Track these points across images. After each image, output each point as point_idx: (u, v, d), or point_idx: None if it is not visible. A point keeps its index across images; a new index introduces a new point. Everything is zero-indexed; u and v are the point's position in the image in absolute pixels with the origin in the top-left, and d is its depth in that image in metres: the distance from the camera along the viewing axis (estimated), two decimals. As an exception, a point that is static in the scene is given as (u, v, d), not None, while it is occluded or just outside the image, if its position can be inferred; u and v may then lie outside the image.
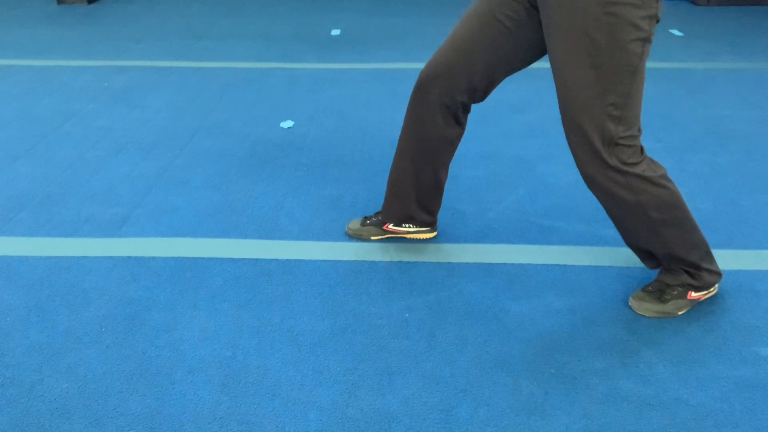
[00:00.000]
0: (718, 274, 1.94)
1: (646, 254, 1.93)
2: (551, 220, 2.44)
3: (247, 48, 4.64)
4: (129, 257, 2.21)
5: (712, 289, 1.97)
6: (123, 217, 2.46)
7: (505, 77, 1.94)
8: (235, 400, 1.64)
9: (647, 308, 1.92)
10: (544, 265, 2.17)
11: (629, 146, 1.73)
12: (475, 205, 2.54)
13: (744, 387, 1.68)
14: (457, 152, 2.98)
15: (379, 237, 2.30)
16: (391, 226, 2.27)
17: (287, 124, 3.32)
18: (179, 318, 1.93)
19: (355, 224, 2.33)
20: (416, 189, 2.16)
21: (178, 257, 2.21)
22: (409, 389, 1.68)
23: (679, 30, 5.06)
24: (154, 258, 2.21)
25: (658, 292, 1.93)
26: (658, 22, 1.66)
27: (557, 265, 2.17)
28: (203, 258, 2.21)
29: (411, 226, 2.26)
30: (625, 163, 1.73)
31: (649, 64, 4.21)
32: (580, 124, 1.70)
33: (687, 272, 1.91)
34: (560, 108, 1.75)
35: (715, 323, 1.90)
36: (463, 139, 3.12)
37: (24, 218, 2.46)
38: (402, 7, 5.89)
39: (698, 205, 2.54)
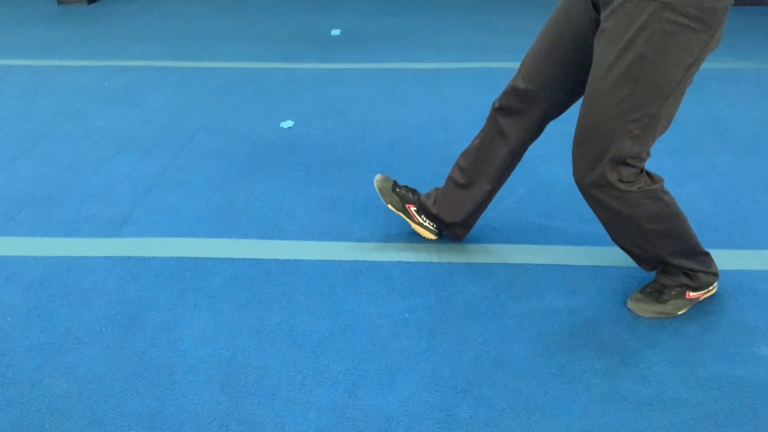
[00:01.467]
0: (714, 274, 1.94)
1: (638, 258, 1.93)
2: (551, 220, 2.44)
3: (247, 48, 4.64)
4: (129, 257, 2.21)
5: (711, 289, 1.97)
6: (123, 217, 2.46)
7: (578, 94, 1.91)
8: (235, 400, 1.64)
9: (646, 309, 1.92)
10: (544, 265, 2.17)
11: (633, 167, 1.71)
12: (475, 205, 2.54)
13: (744, 387, 1.68)
14: (457, 152, 2.98)
15: (393, 209, 2.27)
16: (412, 210, 2.25)
17: (287, 124, 3.32)
18: (179, 318, 1.93)
19: (386, 182, 2.29)
20: (471, 204, 2.12)
21: (178, 257, 2.21)
22: (409, 389, 1.68)
23: (679, 30, 5.05)
24: (154, 258, 2.21)
25: (656, 293, 1.93)
26: (713, 50, 1.61)
27: (557, 265, 2.17)
28: (203, 258, 2.21)
29: (431, 224, 2.25)
30: (622, 181, 1.72)
31: (649, 64, 4.21)
32: (596, 133, 1.67)
33: (684, 273, 1.91)
34: (581, 113, 1.70)
35: (715, 323, 1.90)
36: (463, 139, 3.12)
37: (24, 218, 2.46)
38: (402, 7, 5.89)
39: (698, 205, 2.54)
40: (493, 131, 2.00)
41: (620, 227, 1.82)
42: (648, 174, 1.77)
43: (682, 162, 2.89)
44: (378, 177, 2.30)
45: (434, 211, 2.19)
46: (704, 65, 4.19)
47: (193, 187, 2.69)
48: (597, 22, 1.72)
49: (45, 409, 1.62)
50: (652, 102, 1.60)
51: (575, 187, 2.67)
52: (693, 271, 1.90)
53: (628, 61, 1.58)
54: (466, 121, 3.35)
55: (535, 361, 1.76)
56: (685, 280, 1.91)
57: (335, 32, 5.04)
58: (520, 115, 1.94)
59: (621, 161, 1.68)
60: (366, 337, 1.85)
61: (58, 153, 3.00)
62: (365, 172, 2.81)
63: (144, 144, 3.10)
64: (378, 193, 2.30)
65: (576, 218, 2.45)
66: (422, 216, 2.25)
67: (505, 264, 2.18)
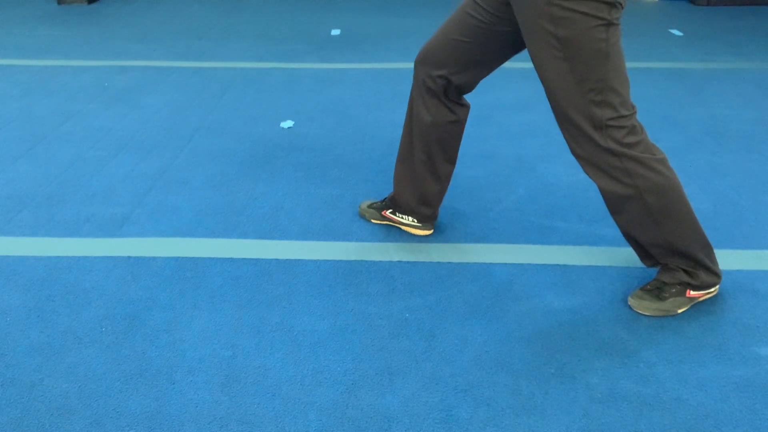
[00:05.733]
0: (717, 275, 1.94)
1: (644, 250, 1.93)
2: (551, 220, 2.44)
3: (247, 48, 4.64)
4: (129, 257, 2.21)
5: (712, 290, 1.96)
6: (123, 217, 2.46)
7: (487, 67, 2.01)
8: (235, 400, 1.64)
9: (646, 306, 1.92)
10: (544, 265, 2.17)
11: (621, 127, 1.74)
12: (475, 205, 2.54)
13: (744, 387, 1.68)
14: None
15: (378, 221, 2.39)
16: (388, 213, 2.35)
17: (287, 124, 3.32)
18: (179, 318, 1.93)
19: (364, 204, 2.44)
20: (413, 178, 2.21)
21: (178, 257, 2.21)
22: (409, 389, 1.68)
23: (679, 30, 5.06)
24: (154, 258, 2.21)
25: (656, 290, 1.93)
26: (622, 7, 1.68)
27: (557, 265, 2.17)
28: (203, 258, 2.21)
29: (408, 218, 2.30)
30: (620, 144, 1.75)
31: (649, 64, 4.21)
32: (567, 114, 1.76)
33: (684, 271, 1.91)
34: (549, 103, 1.79)
35: (715, 323, 1.90)
36: (463, 139, 3.12)
37: (24, 218, 2.46)
38: (402, 7, 5.89)
39: (698, 205, 2.54)
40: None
41: (626, 206, 1.82)
42: (651, 144, 1.80)
43: (682, 162, 2.89)
44: (359, 205, 2.47)
45: (397, 200, 2.29)
46: (704, 65, 4.20)
47: (193, 187, 2.69)
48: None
49: (45, 409, 1.62)
50: (593, 68, 1.69)
51: (575, 187, 2.67)
52: (694, 267, 1.89)
53: (550, 45, 1.69)
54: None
55: (535, 361, 1.76)
56: (685, 278, 1.91)
57: (335, 32, 5.04)
58: (439, 95, 2.06)
59: (604, 126, 1.74)
60: (366, 337, 1.85)
61: (58, 153, 3.00)
62: (365, 172, 2.82)
63: (144, 144, 3.10)
64: (361, 218, 2.44)
65: (576, 218, 2.45)
66: (398, 214, 2.32)
67: (505, 264, 2.18)
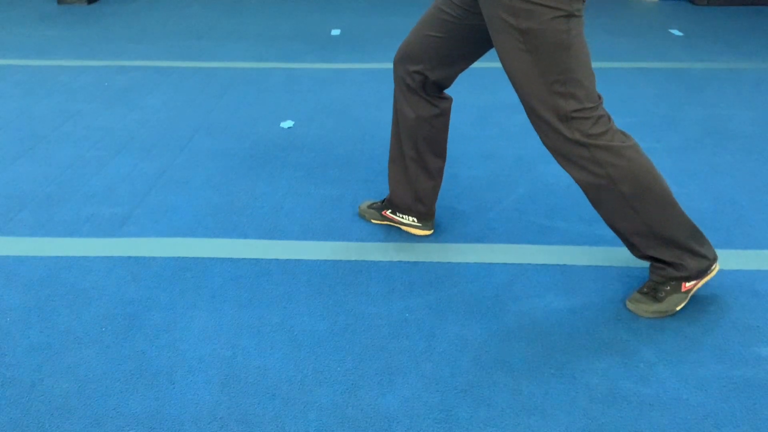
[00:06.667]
0: (706, 257, 1.89)
1: (629, 241, 1.90)
2: (551, 220, 2.44)
3: (247, 48, 4.64)
4: (129, 257, 2.21)
5: (708, 274, 1.92)
6: (123, 217, 2.46)
7: (462, 62, 2.03)
8: (235, 400, 1.64)
9: (644, 309, 1.92)
10: (544, 265, 2.17)
11: (587, 118, 1.75)
12: (475, 205, 2.54)
13: (744, 387, 1.68)
14: (457, 152, 2.98)
15: (378, 222, 2.40)
16: (388, 213, 2.36)
17: (287, 124, 3.32)
18: (179, 318, 1.93)
19: (364, 204, 2.46)
20: (406, 177, 2.23)
21: (178, 257, 2.21)
22: (409, 389, 1.68)
23: (679, 30, 5.06)
24: (154, 258, 2.21)
25: (651, 291, 1.93)
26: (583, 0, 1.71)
27: (557, 265, 2.17)
28: (203, 258, 2.21)
29: (407, 217, 2.30)
30: (587, 135, 1.75)
31: (649, 64, 4.21)
32: (533, 107, 1.77)
33: (670, 265, 1.88)
34: (518, 96, 1.80)
35: (715, 323, 1.90)
36: (463, 139, 3.12)
37: (24, 218, 2.46)
38: (402, 7, 5.89)
39: (698, 205, 2.54)
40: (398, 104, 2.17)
41: (604, 198, 1.82)
42: (621, 132, 1.81)
43: (682, 162, 2.89)
44: (359, 206, 2.48)
45: (393, 200, 2.30)
46: (704, 65, 4.20)
47: (193, 187, 2.69)
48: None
49: (45, 409, 1.62)
50: (556, 60, 1.70)
51: (575, 187, 2.67)
52: (679, 257, 1.86)
53: (512, 37, 1.71)
54: (465, 120, 3.35)
55: (535, 361, 1.76)
56: (673, 273, 1.88)
57: (335, 32, 5.04)
58: (416, 92, 2.09)
59: (569, 118, 1.75)
60: (366, 337, 1.85)
61: (58, 153, 3.00)
62: (365, 172, 2.82)
63: (144, 144, 3.10)
64: (361, 219, 2.45)
65: (576, 218, 2.45)
66: (398, 214, 2.32)
67: (505, 264, 2.18)
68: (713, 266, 1.93)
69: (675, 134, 3.18)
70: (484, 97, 3.66)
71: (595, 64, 4.23)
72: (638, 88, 3.81)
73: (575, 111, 1.74)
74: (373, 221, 2.41)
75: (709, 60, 4.31)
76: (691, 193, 2.62)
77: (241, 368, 1.74)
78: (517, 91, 1.80)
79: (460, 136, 3.16)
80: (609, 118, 1.79)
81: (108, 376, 1.71)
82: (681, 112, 3.46)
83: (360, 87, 3.85)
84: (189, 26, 5.24)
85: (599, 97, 1.78)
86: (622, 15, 5.60)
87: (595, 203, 1.87)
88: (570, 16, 1.67)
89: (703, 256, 1.89)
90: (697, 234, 1.88)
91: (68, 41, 4.80)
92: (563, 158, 1.82)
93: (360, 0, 6.13)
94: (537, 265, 2.17)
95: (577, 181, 1.84)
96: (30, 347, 1.82)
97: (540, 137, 1.83)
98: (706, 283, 2.04)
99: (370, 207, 2.42)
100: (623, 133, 1.81)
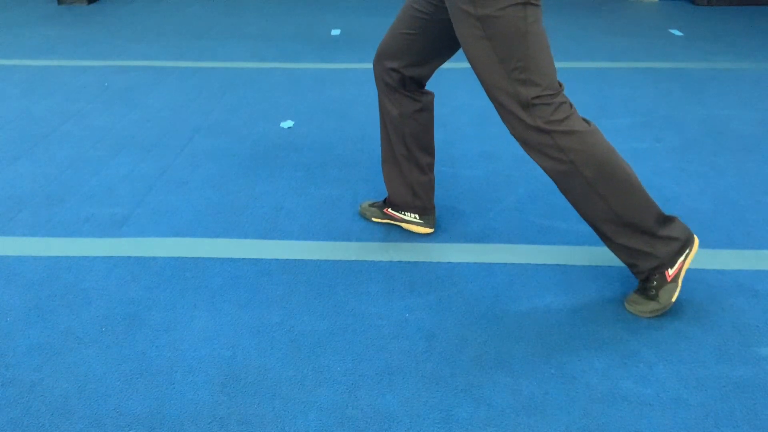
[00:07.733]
0: (677, 239, 1.86)
1: (600, 231, 1.88)
2: (551, 220, 2.44)
3: (247, 48, 4.64)
4: (129, 257, 2.21)
5: (687, 253, 1.88)
6: (123, 217, 2.46)
7: (437, 58, 2.07)
8: (235, 400, 1.64)
9: (641, 310, 1.92)
10: (544, 265, 2.17)
11: (547, 104, 1.77)
12: (475, 205, 2.54)
13: (744, 387, 1.68)
14: (456, 152, 2.98)
15: (380, 220, 2.41)
16: (389, 210, 2.37)
17: (287, 124, 3.32)
18: (179, 318, 1.93)
19: (365, 204, 2.47)
20: (401, 174, 2.25)
21: (178, 257, 2.21)
22: (409, 389, 1.68)
23: (679, 30, 5.06)
24: (154, 258, 2.21)
25: (642, 291, 1.93)
26: None
27: (557, 265, 2.17)
28: (203, 258, 2.21)
29: (408, 214, 2.31)
30: (548, 121, 1.77)
31: (649, 64, 4.21)
32: (494, 95, 1.80)
33: (643, 254, 1.85)
34: (481, 85, 1.82)
35: (715, 323, 1.90)
36: (463, 139, 3.12)
37: (24, 218, 2.46)
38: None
39: (698, 205, 2.54)
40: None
41: (566, 181, 1.83)
42: (582, 118, 1.82)
43: (682, 162, 2.89)
44: (360, 205, 2.49)
45: (393, 199, 2.31)
46: (704, 65, 4.20)
47: (193, 187, 2.69)
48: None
49: (45, 409, 1.62)
50: (514, 46, 1.73)
51: (575, 187, 2.67)
52: (650, 245, 1.84)
53: (471, 26, 1.74)
54: (465, 120, 3.35)
55: (535, 361, 1.76)
56: (649, 264, 1.86)
57: (335, 32, 5.04)
58: (397, 90, 2.13)
59: (530, 104, 1.77)
60: (366, 337, 1.85)
61: (58, 153, 3.00)
62: (365, 172, 2.82)
63: (144, 144, 3.10)
64: (362, 218, 2.46)
65: (576, 218, 2.45)
66: (400, 211, 2.33)
67: (505, 264, 2.18)
68: (690, 245, 1.90)
69: (675, 134, 3.18)
70: (484, 97, 3.66)
71: (595, 64, 4.23)
72: (638, 88, 3.81)
73: (535, 98, 1.76)
74: (375, 220, 2.41)
75: (709, 60, 4.31)
76: (691, 193, 2.62)
77: (241, 368, 1.74)
78: (480, 81, 1.82)
79: (460, 136, 3.16)
80: (570, 105, 1.81)
81: (108, 376, 1.71)
82: (681, 112, 3.46)
83: (360, 87, 3.85)
84: (189, 26, 5.24)
85: (560, 85, 1.80)
86: (622, 15, 5.60)
87: (564, 191, 1.88)
88: (527, 4, 1.71)
89: (674, 239, 1.86)
90: (664, 218, 1.86)
91: (68, 41, 4.80)
92: (528, 147, 1.84)
93: (360, 0, 6.13)
94: (537, 265, 2.17)
95: (544, 169, 1.86)
96: (30, 347, 1.82)
97: (507, 128, 1.85)
98: (706, 283, 2.04)
99: (371, 206, 2.43)
100: (584, 119, 1.83)
